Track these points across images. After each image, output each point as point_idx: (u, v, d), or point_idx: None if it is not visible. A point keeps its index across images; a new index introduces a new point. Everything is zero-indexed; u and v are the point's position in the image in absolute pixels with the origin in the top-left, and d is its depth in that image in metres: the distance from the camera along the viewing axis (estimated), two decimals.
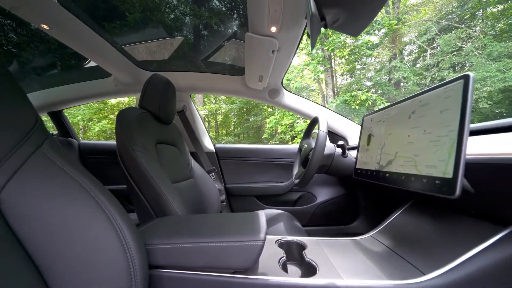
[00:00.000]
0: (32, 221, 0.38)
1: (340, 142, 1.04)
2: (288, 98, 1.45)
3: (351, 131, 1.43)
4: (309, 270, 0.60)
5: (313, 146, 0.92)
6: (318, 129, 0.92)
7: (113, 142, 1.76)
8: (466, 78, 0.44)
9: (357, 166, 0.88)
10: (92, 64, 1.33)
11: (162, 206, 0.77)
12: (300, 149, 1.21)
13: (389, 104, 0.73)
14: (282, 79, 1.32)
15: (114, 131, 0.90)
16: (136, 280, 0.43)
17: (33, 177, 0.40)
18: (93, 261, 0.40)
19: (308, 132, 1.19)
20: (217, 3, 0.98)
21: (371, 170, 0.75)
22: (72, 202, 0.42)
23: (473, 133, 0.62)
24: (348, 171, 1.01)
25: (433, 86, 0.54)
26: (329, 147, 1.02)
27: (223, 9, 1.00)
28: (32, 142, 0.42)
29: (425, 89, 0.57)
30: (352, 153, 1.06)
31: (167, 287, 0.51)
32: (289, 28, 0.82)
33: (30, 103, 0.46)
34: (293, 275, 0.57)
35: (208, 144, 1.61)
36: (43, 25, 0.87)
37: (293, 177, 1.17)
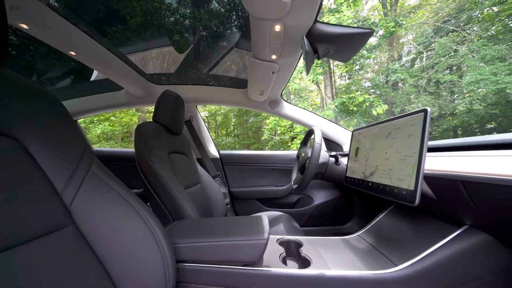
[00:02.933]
0: (93, 228, 0.50)
1: (333, 153, 1.17)
2: (287, 109, 1.58)
3: (346, 138, 1.56)
4: (304, 263, 0.72)
5: (310, 155, 1.04)
6: (314, 140, 1.04)
7: (124, 149, 1.88)
8: (425, 111, 0.57)
9: (347, 174, 1.00)
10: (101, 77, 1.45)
11: (177, 210, 0.88)
12: (298, 156, 1.33)
13: (374, 123, 0.86)
14: (282, 91, 1.45)
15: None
16: (169, 273, 0.54)
17: (90, 191, 0.52)
18: (140, 259, 0.51)
19: (305, 141, 1.31)
20: (217, 5, 1.03)
21: (358, 178, 0.88)
22: (118, 211, 0.53)
23: (442, 149, 0.74)
24: (341, 178, 1.13)
25: (404, 113, 0.66)
26: (324, 156, 1.15)
27: (223, 10, 1.06)
28: (85, 163, 0.54)
29: (398, 115, 0.69)
30: (345, 160, 1.18)
31: (190, 278, 0.64)
32: (288, 55, 0.94)
33: (80, 131, 0.58)
34: (291, 268, 0.69)
35: (213, 150, 1.73)
36: (71, 52, 0.98)
37: (292, 182, 1.29)
